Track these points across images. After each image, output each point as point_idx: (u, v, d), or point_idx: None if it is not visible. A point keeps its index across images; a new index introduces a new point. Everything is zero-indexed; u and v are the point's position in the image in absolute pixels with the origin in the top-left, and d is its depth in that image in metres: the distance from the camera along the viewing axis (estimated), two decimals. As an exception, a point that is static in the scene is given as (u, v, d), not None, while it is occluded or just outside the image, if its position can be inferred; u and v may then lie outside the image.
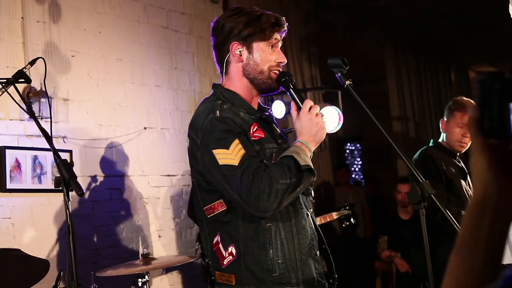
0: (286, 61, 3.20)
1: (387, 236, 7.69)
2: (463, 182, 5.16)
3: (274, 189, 2.77)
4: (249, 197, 2.78)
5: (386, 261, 7.64)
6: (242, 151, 2.84)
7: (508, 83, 1.11)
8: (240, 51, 3.11)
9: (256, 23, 3.07)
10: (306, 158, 2.92)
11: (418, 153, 5.34)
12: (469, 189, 5.18)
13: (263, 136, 3.04)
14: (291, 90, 3.10)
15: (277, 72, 3.13)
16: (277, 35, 3.11)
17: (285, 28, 3.15)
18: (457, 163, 5.25)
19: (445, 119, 5.30)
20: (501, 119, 1.10)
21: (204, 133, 2.96)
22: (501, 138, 1.12)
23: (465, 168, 5.27)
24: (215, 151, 2.88)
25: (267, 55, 3.10)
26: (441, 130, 5.35)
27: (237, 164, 2.82)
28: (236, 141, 2.87)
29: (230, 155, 2.84)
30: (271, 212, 2.83)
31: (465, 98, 5.31)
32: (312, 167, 2.94)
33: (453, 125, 5.21)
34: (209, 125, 2.95)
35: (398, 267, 7.52)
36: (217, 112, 2.97)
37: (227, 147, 2.86)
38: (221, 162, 2.86)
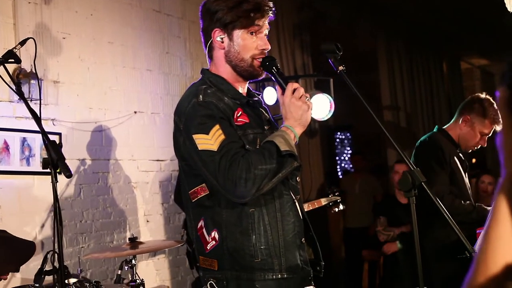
0: (270, 48, 3.14)
1: (385, 218, 7.68)
2: (464, 175, 5.13)
3: (251, 174, 2.76)
4: (226, 183, 2.78)
5: (386, 235, 7.58)
6: (222, 137, 2.84)
7: None
8: (221, 38, 3.09)
9: (237, 10, 3.03)
10: (289, 143, 2.90)
11: (426, 136, 5.23)
12: (468, 183, 5.18)
13: (247, 121, 3.03)
14: (274, 74, 3.07)
15: (261, 59, 3.11)
16: (259, 22, 3.07)
17: (269, 14, 3.11)
18: (460, 155, 5.20)
19: (471, 119, 5.12)
20: None
21: (186, 118, 2.96)
22: None
23: (466, 162, 5.23)
24: (195, 136, 2.88)
25: (248, 43, 3.07)
26: (460, 124, 5.16)
27: (216, 150, 2.82)
28: (217, 126, 2.86)
29: (209, 141, 2.84)
30: (249, 198, 2.83)
31: (497, 109, 4.93)
32: (295, 152, 2.91)
33: (477, 131, 5.10)
34: (191, 109, 2.95)
35: (385, 248, 7.52)
36: (200, 96, 2.97)
37: (207, 132, 2.85)
38: (200, 147, 2.86)
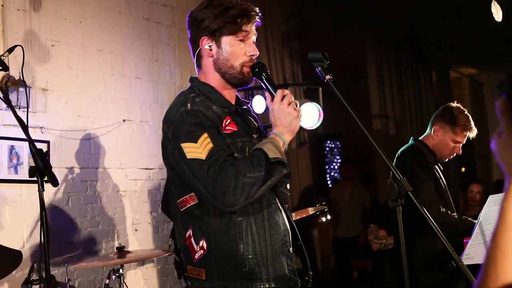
0: (258, 53, 3.13)
1: (377, 225, 7.67)
2: (444, 185, 5.12)
3: (240, 183, 2.75)
4: (215, 191, 2.77)
5: (377, 240, 7.57)
6: (210, 145, 2.83)
7: None
8: (210, 46, 3.07)
9: (223, 16, 3.02)
10: (278, 150, 2.88)
11: (405, 147, 5.19)
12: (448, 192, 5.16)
13: (235, 129, 3.01)
14: (264, 80, 3.05)
15: (250, 66, 3.09)
16: (246, 27, 3.05)
17: (256, 19, 3.09)
18: (439, 164, 5.19)
19: (442, 128, 5.11)
20: None
21: (174, 127, 2.95)
22: None
23: (444, 171, 5.24)
24: (183, 145, 2.87)
25: (237, 49, 3.05)
26: (432, 134, 5.15)
27: (204, 158, 2.80)
28: (205, 134, 2.85)
29: (197, 149, 2.82)
30: (238, 206, 2.81)
31: (469, 116, 5.10)
32: (283, 159, 2.90)
33: (449, 139, 5.08)
34: (180, 118, 2.93)
35: (372, 244, 7.51)
36: (188, 105, 2.96)
37: (195, 140, 2.84)
38: (189, 156, 2.85)
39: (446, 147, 5.11)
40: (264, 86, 3.08)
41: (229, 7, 3.03)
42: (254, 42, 3.12)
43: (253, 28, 3.11)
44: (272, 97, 3.02)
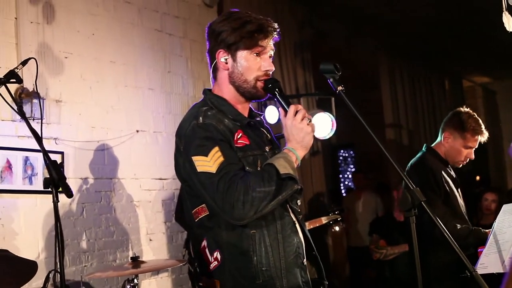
0: (274, 69, 3.12)
1: (378, 235, 7.66)
2: (456, 192, 5.04)
3: (249, 197, 2.74)
4: (224, 205, 2.76)
5: (378, 249, 7.55)
6: (221, 159, 2.83)
7: None
8: (225, 59, 3.07)
9: (241, 31, 3.02)
10: (289, 165, 2.87)
11: (415, 159, 5.12)
12: (460, 198, 5.08)
13: (247, 143, 3.01)
14: (277, 96, 3.06)
15: (264, 80, 3.09)
16: (263, 42, 3.05)
17: (274, 35, 3.09)
18: (450, 171, 5.11)
19: (451, 134, 5.04)
20: None
21: (186, 140, 2.96)
22: None
23: (457, 179, 5.18)
24: (194, 158, 2.87)
25: (252, 64, 3.05)
26: (442, 141, 5.08)
27: (214, 172, 2.80)
28: (216, 148, 2.85)
29: (208, 163, 2.83)
30: (246, 220, 2.80)
31: (479, 120, 5.02)
32: (295, 175, 2.89)
33: (459, 145, 5.00)
34: (191, 131, 2.94)
35: (373, 253, 7.48)
36: (200, 118, 2.96)
37: (206, 154, 2.84)
38: (199, 169, 2.85)
39: (457, 154, 5.04)
40: (277, 102, 3.09)
41: (247, 21, 3.04)
42: (271, 57, 3.12)
43: (271, 43, 3.10)
44: (286, 112, 3.02)
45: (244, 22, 3.04)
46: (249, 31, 3.02)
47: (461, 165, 5.18)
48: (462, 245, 4.46)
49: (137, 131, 6.36)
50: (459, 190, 5.13)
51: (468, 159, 5.11)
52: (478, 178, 14.30)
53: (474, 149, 5.06)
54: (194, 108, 3.13)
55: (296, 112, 2.98)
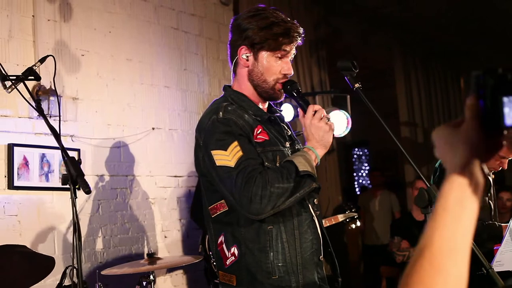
0: (293, 73, 3.15)
1: (400, 237, 7.62)
2: (485, 196, 4.84)
3: (267, 192, 2.77)
4: (242, 199, 2.79)
5: (400, 252, 7.50)
6: (240, 153, 2.85)
7: (501, 79, 1.21)
8: (247, 56, 3.10)
9: (267, 32, 3.04)
10: (308, 163, 2.91)
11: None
12: (491, 202, 4.95)
13: (267, 138, 3.04)
14: (295, 97, 3.09)
15: (282, 83, 3.12)
16: (287, 47, 3.08)
17: (298, 40, 3.11)
18: None
19: None
20: (495, 112, 1.19)
21: (205, 134, 2.98)
22: (494, 130, 1.21)
23: (489, 180, 5.01)
24: (213, 152, 2.90)
25: (273, 66, 3.08)
26: None
27: (233, 166, 2.83)
28: (235, 143, 2.88)
29: (227, 157, 2.85)
30: (264, 215, 2.83)
31: None
32: (314, 173, 2.92)
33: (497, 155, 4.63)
34: (211, 126, 2.97)
35: (395, 256, 7.44)
36: (220, 113, 2.99)
37: (225, 148, 2.87)
38: (218, 163, 2.88)
39: (490, 161, 4.80)
40: (296, 102, 3.12)
41: (274, 23, 3.06)
42: (291, 61, 3.15)
43: (293, 47, 3.13)
44: (304, 112, 3.05)
45: (271, 23, 3.06)
46: (275, 34, 3.05)
47: (492, 172, 4.94)
48: (477, 241, 4.41)
49: (153, 128, 6.38)
50: (491, 191, 4.98)
51: (500, 168, 4.84)
52: (492, 177, 14.25)
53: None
54: (214, 104, 3.16)
55: (315, 111, 3.01)
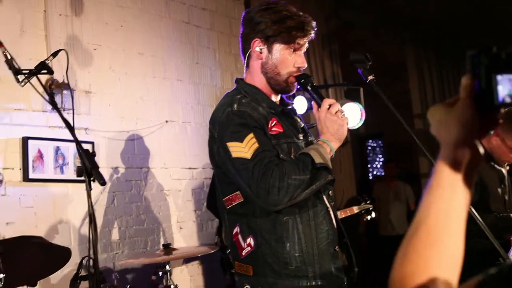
0: (306, 66, 3.16)
1: None
2: (498, 186, 4.85)
3: (285, 183, 2.78)
4: (259, 190, 2.80)
5: None
6: (256, 145, 2.86)
7: (495, 57, 1.23)
8: (260, 49, 3.11)
9: (280, 25, 3.05)
10: (324, 156, 2.92)
11: None
12: (505, 194, 4.90)
13: (281, 130, 3.04)
14: (309, 90, 3.10)
15: (296, 76, 3.13)
16: (300, 40, 3.09)
17: (312, 33, 3.12)
18: (494, 165, 4.87)
19: (500, 134, 4.63)
20: (488, 90, 1.21)
21: (220, 126, 2.99)
22: (487, 107, 1.23)
23: (502, 171, 4.93)
24: (229, 144, 2.91)
25: (286, 59, 3.09)
26: (490, 136, 4.64)
27: (249, 158, 2.84)
28: (251, 135, 2.89)
29: (243, 149, 2.86)
30: (281, 206, 2.84)
31: None
32: (329, 165, 2.93)
33: (508, 145, 4.66)
34: (226, 118, 2.97)
35: None
36: (235, 106, 2.99)
37: (241, 140, 2.88)
38: (234, 155, 2.88)
39: (504, 153, 4.75)
40: (310, 96, 3.12)
41: (288, 16, 3.07)
42: (304, 53, 3.16)
43: (307, 41, 3.14)
44: (319, 106, 3.06)
45: (284, 17, 3.07)
46: (288, 27, 3.06)
47: (506, 164, 4.91)
48: (493, 232, 4.40)
49: (166, 121, 6.41)
50: (505, 183, 4.94)
51: None
52: (507, 168, 14.20)
53: None
54: (227, 97, 3.16)
55: (330, 105, 3.03)
